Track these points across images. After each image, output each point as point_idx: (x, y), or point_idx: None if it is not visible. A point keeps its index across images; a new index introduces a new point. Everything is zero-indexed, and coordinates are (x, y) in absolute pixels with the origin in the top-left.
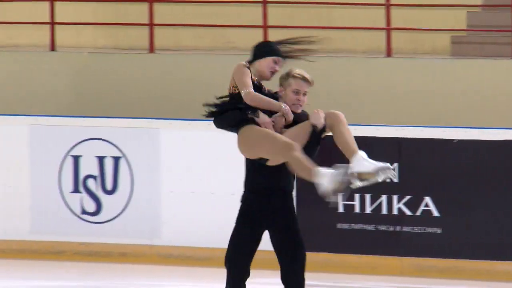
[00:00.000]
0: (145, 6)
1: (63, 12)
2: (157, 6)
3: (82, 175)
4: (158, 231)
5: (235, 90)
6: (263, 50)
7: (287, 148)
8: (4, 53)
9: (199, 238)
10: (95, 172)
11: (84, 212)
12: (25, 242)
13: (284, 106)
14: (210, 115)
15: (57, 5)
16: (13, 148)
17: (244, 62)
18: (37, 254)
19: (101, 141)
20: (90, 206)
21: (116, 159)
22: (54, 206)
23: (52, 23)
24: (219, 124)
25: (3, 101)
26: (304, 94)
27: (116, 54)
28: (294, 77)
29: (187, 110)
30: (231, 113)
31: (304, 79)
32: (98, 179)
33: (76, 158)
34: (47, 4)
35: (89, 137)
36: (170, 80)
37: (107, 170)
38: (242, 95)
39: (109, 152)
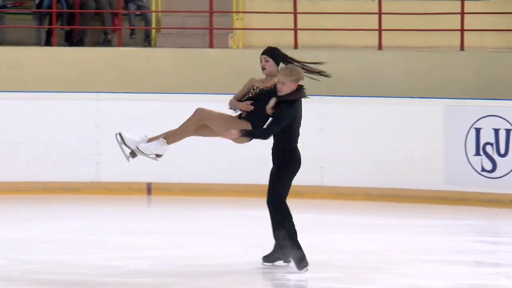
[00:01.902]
0: None
1: (470, 21)
2: None
3: (482, 142)
4: None
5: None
6: None
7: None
8: (423, 53)
9: None
10: (492, 140)
11: (483, 170)
12: (438, 191)
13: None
14: None
15: (466, 17)
16: (430, 123)
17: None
18: (447, 201)
19: (496, 117)
20: (488, 165)
21: (508, 131)
22: (461, 165)
23: (462, 30)
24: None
25: (421, 88)
26: (282, 84)
27: (510, 52)
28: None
29: None
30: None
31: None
32: (494, 146)
33: (478, 130)
34: (458, 16)
35: (488, 114)
36: None
37: (500, 139)
38: None
39: (503, 125)
